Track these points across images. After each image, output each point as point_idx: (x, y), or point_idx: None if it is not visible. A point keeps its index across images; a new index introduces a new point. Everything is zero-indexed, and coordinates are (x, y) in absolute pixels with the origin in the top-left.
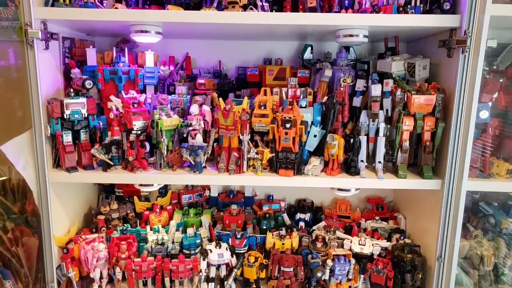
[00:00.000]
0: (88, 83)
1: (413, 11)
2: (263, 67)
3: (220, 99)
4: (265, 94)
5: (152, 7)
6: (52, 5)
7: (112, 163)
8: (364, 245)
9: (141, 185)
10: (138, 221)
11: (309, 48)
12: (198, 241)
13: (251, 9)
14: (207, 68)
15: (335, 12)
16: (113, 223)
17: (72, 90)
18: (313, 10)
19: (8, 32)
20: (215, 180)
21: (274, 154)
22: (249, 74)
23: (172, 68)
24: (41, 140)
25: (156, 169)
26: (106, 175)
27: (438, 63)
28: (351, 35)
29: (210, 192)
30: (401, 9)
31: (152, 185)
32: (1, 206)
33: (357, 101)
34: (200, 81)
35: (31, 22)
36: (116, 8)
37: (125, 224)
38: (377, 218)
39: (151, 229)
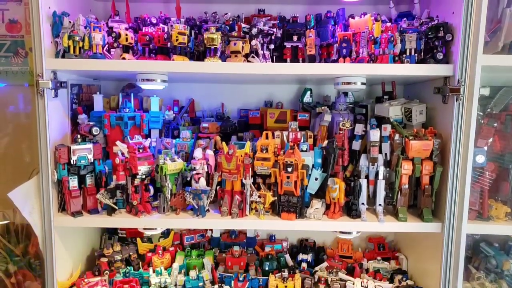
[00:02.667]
0: (95, 130)
1: (408, 60)
2: (265, 109)
3: (223, 143)
4: (267, 137)
5: (158, 57)
6: (63, 56)
7: (116, 208)
8: (367, 287)
9: (145, 228)
10: (140, 263)
11: (309, 92)
12: (200, 284)
13: (252, 57)
14: (210, 110)
15: (334, 60)
16: (116, 265)
17: (79, 136)
18: (312, 57)
19: (18, 77)
20: (218, 224)
21: (276, 198)
22: (251, 116)
23: (176, 110)
24: (48, 186)
25: (159, 213)
26: (111, 220)
27: (434, 107)
28: (349, 83)
29: (212, 232)
30: (396, 58)
31: (155, 228)
32: (4, 248)
33: (356, 145)
34: (204, 125)
35: (42, 73)
36: (123, 58)
37: (128, 267)
38: (378, 258)
39: (153, 271)
